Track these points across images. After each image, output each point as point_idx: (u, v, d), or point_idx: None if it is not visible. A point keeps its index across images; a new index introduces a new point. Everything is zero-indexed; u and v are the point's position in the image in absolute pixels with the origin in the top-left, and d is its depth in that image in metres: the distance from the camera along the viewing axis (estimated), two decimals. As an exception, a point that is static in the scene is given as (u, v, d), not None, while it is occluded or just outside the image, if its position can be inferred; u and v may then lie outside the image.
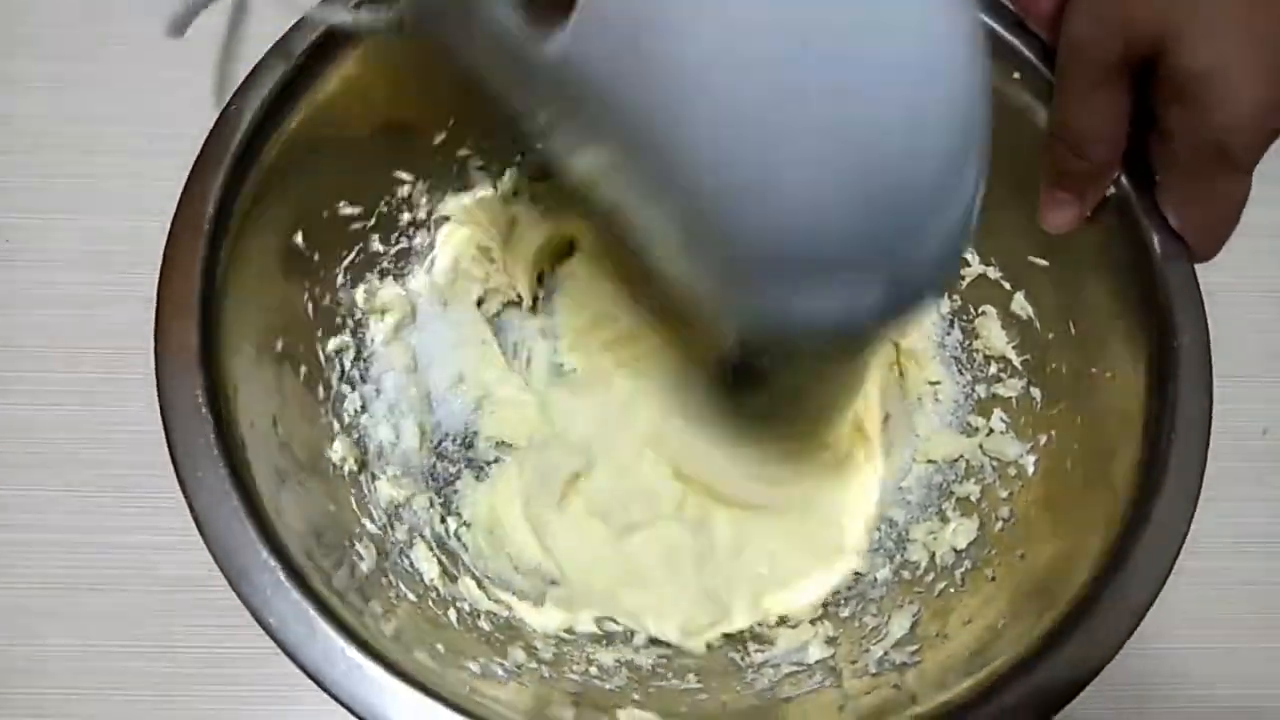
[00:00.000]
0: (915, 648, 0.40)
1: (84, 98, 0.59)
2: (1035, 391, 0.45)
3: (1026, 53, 0.39)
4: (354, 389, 0.46)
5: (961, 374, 0.49)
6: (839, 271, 0.29)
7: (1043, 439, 0.44)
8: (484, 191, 0.49)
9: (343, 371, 0.45)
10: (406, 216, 0.48)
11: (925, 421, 0.49)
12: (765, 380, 0.49)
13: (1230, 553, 0.50)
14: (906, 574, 0.45)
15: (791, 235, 0.28)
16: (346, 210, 0.44)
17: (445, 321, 0.49)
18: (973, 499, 0.46)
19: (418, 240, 0.49)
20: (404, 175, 0.46)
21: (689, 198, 0.29)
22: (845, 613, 0.45)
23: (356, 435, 0.44)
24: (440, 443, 0.48)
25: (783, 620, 0.45)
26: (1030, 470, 0.44)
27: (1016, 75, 0.39)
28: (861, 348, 0.45)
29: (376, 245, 0.47)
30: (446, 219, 0.49)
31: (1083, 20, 0.33)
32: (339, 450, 0.43)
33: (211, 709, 0.47)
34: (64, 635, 0.48)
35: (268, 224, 0.40)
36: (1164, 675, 0.48)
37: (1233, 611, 0.50)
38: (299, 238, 0.42)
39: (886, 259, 0.29)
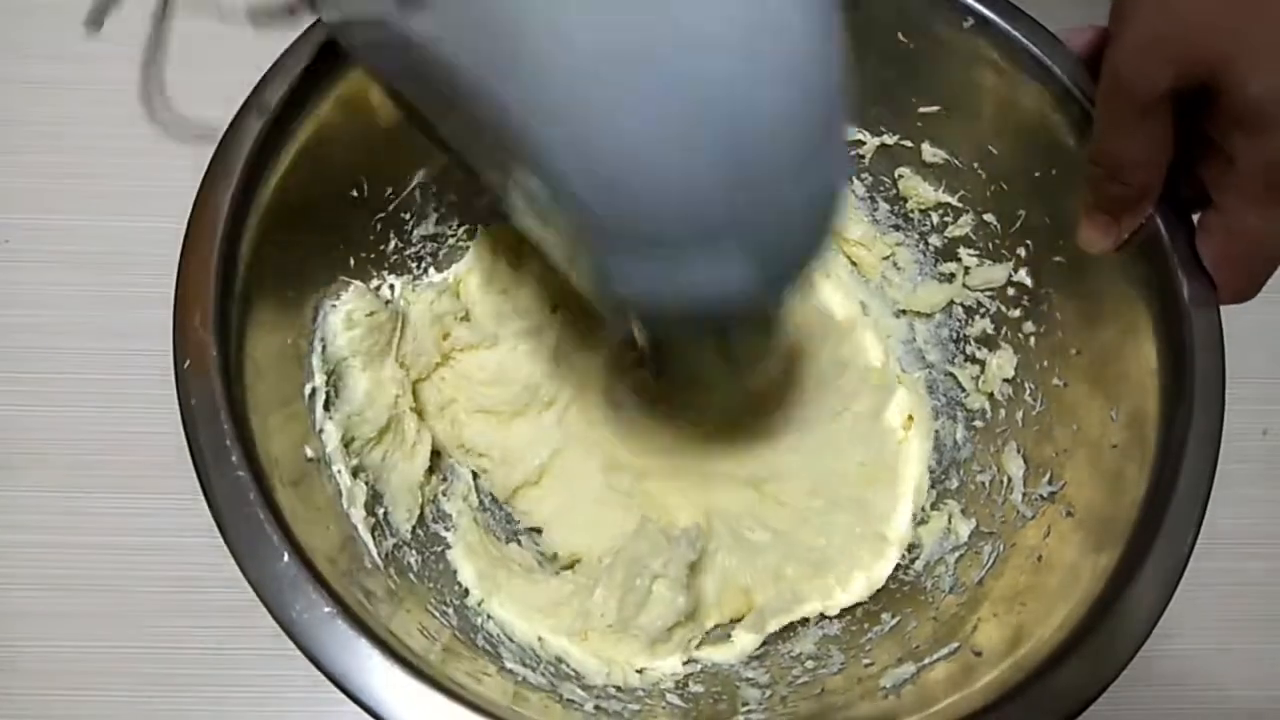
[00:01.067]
0: (1043, 488, 0.42)
1: (85, 98, 0.58)
2: (989, 217, 0.46)
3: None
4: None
5: (908, 235, 0.51)
6: (706, 242, 0.28)
7: (1021, 251, 0.45)
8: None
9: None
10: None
11: (899, 290, 0.52)
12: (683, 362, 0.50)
13: (1231, 553, 0.50)
14: (980, 423, 0.48)
15: (648, 207, 0.28)
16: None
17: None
18: (989, 332, 0.48)
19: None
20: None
21: (550, 175, 0.28)
22: (954, 483, 0.47)
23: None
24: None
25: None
26: (1028, 281, 0.45)
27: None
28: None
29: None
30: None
31: (1129, 50, 0.33)
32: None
33: (211, 709, 0.47)
34: (64, 635, 0.48)
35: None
36: (1166, 675, 0.49)
37: (1235, 612, 0.50)
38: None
39: (749, 228, 0.29)
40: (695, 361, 0.51)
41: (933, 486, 0.48)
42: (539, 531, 0.49)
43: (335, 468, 0.39)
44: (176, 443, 0.33)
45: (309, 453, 0.38)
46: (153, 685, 0.47)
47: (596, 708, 0.37)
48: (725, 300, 0.31)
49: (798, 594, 0.47)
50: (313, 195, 0.41)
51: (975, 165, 0.46)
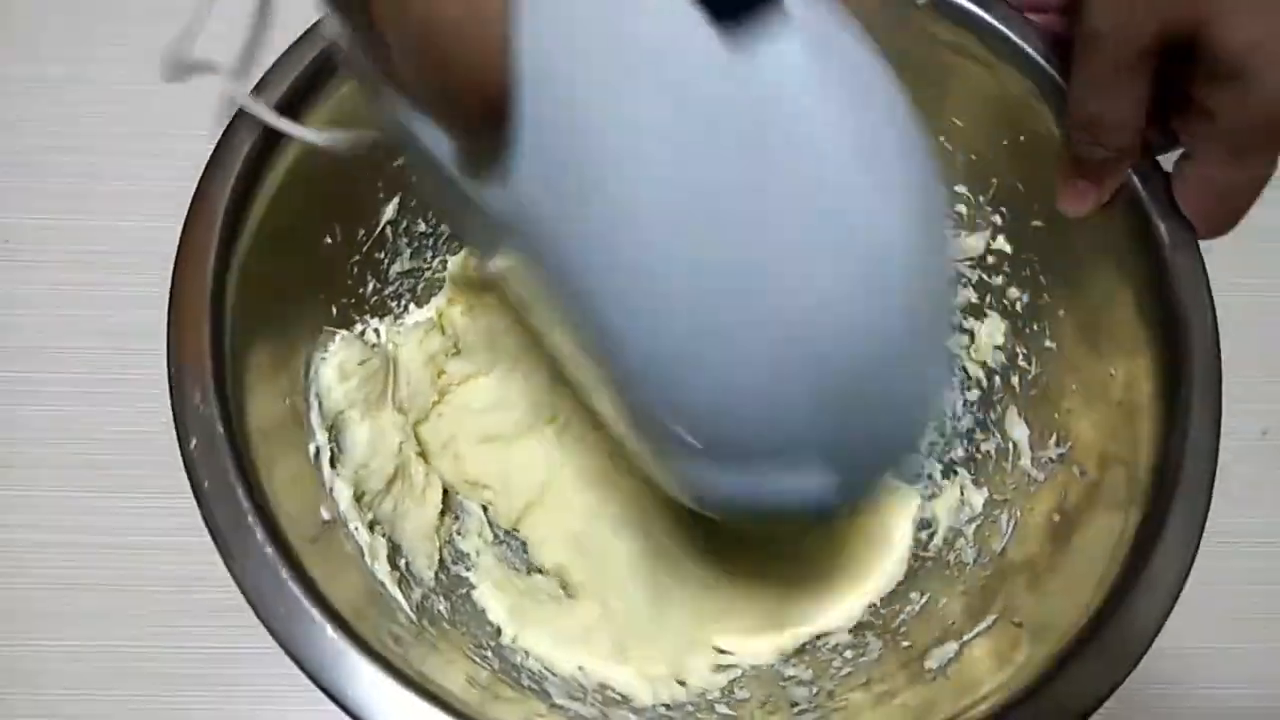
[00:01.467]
0: (1052, 451, 0.42)
1: (85, 98, 0.58)
2: (961, 188, 0.46)
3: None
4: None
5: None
6: (793, 462, 0.28)
7: (998, 219, 0.45)
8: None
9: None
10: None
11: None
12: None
13: (1231, 553, 0.50)
14: (977, 392, 0.48)
15: (736, 426, 0.27)
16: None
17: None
18: (974, 301, 0.48)
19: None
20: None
21: (629, 368, 0.27)
22: (960, 453, 0.47)
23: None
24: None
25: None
26: (1008, 247, 0.45)
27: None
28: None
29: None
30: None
31: (1108, 7, 0.33)
32: None
33: (211, 709, 0.47)
34: (64, 635, 0.48)
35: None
36: (1166, 675, 0.48)
37: (1235, 612, 0.50)
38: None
39: (834, 449, 0.28)
40: None
41: (939, 459, 0.49)
42: (542, 572, 0.48)
43: (352, 525, 0.38)
44: (176, 443, 0.33)
45: (325, 514, 0.37)
46: (153, 685, 0.48)
47: (650, 730, 0.37)
48: (805, 507, 0.31)
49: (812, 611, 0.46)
50: (290, 245, 0.40)
51: (942, 139, 0.46)
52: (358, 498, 0.39)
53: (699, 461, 0.29)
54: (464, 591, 0.43)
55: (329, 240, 0.43)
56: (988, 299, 0.48)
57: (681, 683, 0.41)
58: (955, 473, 0.47)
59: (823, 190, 0.24)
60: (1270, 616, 0.50)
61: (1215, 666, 0.49)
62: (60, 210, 0.56)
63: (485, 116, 0.23)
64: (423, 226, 0.48)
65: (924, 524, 0.47)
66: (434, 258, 0.49)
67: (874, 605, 0.45)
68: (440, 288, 0.50)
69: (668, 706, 0.40)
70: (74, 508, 0.50)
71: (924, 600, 0.43)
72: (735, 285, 0.24)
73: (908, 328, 0.27)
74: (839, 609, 0.45)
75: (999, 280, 0.47)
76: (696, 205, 0.24)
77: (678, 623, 0.45)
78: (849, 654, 0.42)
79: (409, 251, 0.48)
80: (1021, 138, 0.43)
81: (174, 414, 0.33)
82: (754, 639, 0.44)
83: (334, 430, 0.41)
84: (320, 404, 0.40)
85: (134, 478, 0.50)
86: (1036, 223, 0.44)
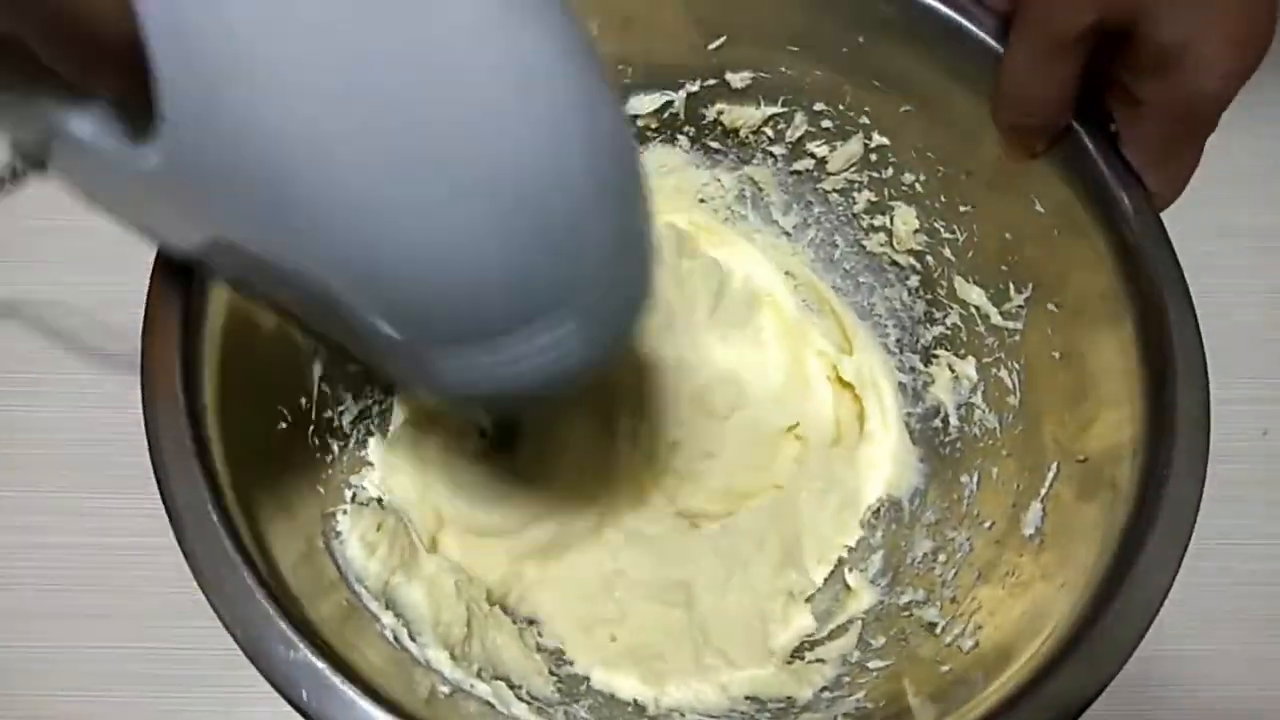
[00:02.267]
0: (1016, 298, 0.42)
1: None
2: (819, 105, 0.48)
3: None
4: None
5: (755, 157, 0.52)
6: (532, 327, 0.28)
7: (864, 119, 0.47)
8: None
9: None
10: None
11: (777, 211, 0.53)
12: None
13: (1230, 553, 0.51)
14: (917, 279, 0.50)
15: (448, 299, 0.27)
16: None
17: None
18: (874, 200, 0.50)
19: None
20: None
21: (337, 280, 0.27)
22: (928, 337, 0.49)
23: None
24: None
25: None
26: (885, 140, 0.47)
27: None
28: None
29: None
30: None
31: None
32: None
33: (209, 709, 0.48)
34: (64, 635, 0.48)
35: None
36: (1165, 677, 0.49)
37: (1235, 612, 0.51)
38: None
39: (574, 299, 0.28)
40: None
41: (912, 351, 0.51)
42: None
43: (467, 685, 0.36)
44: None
45: (442, 688, 0.35)
46: (154, 686, 0.48)
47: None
48: (567, 369, 0.30)
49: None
50: (257, 451, 0.37)
51: (784, 69, 0.48)
52: (454, 657, 0.37)
53: (452, 352, 0.29)
54: (584, 687, 0.42)
55: (284, 425, 0.40)
56: (887, 192, 0.50)
57: (821, 660, 0.42)
58: (935, 356, 0.49)
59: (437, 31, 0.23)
60: (1269, 617, 0.51)
61: (1214, 667, 0.50)
62: (60, 211, 0.53)
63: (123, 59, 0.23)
64: (351, 367, 0.45)
65: (933, 412, 0.49)
66: (374, 388, 0.47)
67: (917, 495, 0.47)
68: (391, 409, 0.48)
69: (828, 689, 0.40)
70: (73, 508, 0.50)
71: (976, 478, 0.45)
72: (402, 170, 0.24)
73: (590, 175, 0.27)
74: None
75: (889, 172, 0.49)
76: (345, 83, 0.23)
77: (746, 603, 0.45)
78: (941, 557, 0.43)
79: (350, 396, 0.45)
80: (861, 39, 0.44)
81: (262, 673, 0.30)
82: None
83: (391, 604, 0.38)
84: (365, 587, 0.38)
85: (133, 478, 0.46)
86: (905, 108, 0.46)
